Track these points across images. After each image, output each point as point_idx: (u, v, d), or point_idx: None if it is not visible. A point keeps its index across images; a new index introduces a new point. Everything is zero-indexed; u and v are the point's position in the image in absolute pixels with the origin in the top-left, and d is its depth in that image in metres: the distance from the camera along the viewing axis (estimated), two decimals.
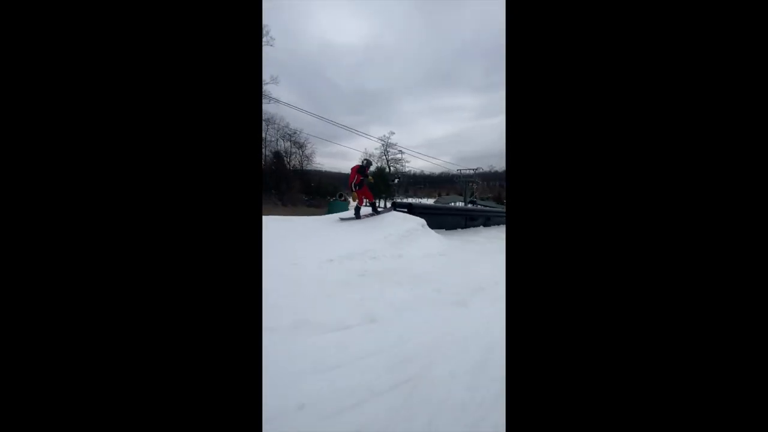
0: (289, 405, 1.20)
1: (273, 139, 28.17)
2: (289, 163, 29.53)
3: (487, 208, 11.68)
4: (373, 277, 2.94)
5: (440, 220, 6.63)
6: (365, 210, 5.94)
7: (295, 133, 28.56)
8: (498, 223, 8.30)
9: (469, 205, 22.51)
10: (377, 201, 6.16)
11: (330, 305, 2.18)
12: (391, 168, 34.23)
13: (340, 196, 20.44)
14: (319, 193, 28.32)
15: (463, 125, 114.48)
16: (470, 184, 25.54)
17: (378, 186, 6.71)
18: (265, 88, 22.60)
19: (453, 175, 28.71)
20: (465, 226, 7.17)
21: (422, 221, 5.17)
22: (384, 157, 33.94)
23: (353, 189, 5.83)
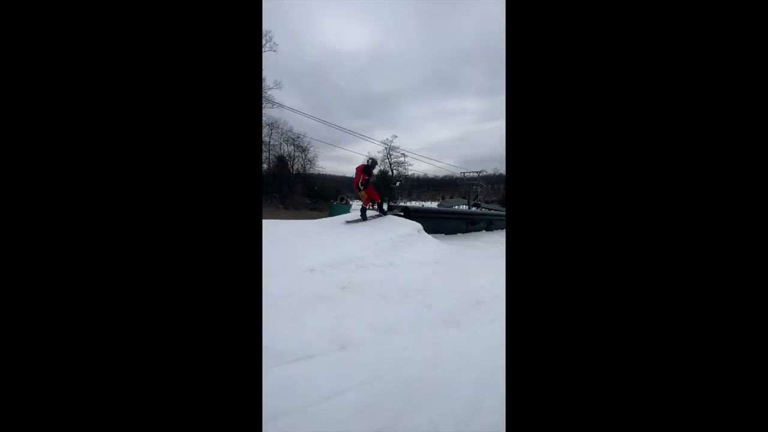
0: None
1: (277, 143, 28.42)
2: (292, 166, 29.62)
3: (491, 212, 11.32)
4: (357, 289, 2.63)
5: (439, 224, 6.30)
6: (371, 213, 5.71)
7: (298, 137, 28.70)
8: (501, 227, 7.93)
9: (473, 209, 22.13)
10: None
11: (297, 327, 1.86)
12: (394, 171, 34.03)
13: (341, 199, 20.39)
14: (322, 196, 28.29)
15: (467, 128, 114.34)
16: (474, 187, 25.19)
17: (380, 189, 6.48)
18: (269, 93, 22.95)
19: (457, 179, 28.46)
20: (466, 231, 6.83)
21: (418, 226, 4.85)
22: (387, 160, 33.79)
23: (359, 189, 5.62)
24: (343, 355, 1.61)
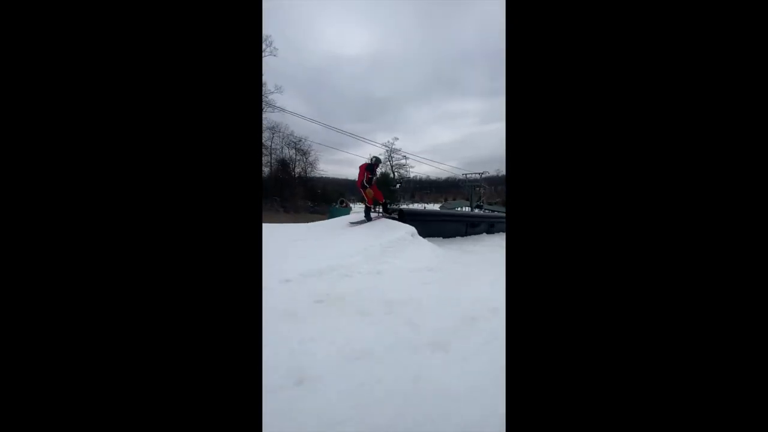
0: None
1: (278, 147, 28.42)
2: (293, 170, 29.61)
3: (492, 213, 10.97)
4: (334, 304, 2.32)
5: (437, 227, 5.98)
6: (374, 214, 5.49)
7: (300, 140, 28.68)
8: (503, 230, 7.58)
9: (476, 210, 21.76)
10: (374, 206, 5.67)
11: None
12: (395, 174, 33.77)
13: (341, 202, 20.19)
14: (324, 199, 28.17)
15: (469, 130, 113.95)
16: (477, 188, 24.84)
17: (381, 191, 6.24)
18: (270, 97, 22.98)
19: (459, 180, 28.11)
20: (465, 234, 6.50)
21: (412, 230, 4.54)
22: (388, 162, 33.52)
23: (363, 188, 5.40)
24: (296, 393, 1.30)
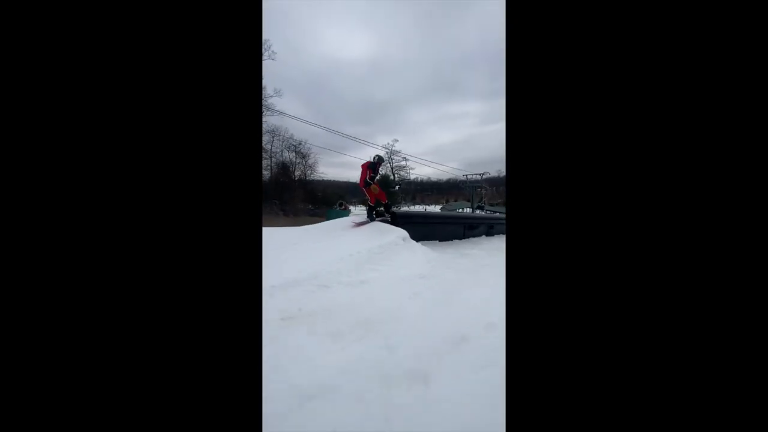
0: None
1: (278, 150, 28.42)
2: (293, 173, 29.55)
3: (493, 215, 10.65)
4: (303, 323, 2.02)
5: (433, 230, 5.68)
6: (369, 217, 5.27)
7: (300, 144, 28.76)
8: (503, 232, 7.26)
9: (477, 211, 21.45)
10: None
11: None
12: (396, 175, 33.52)
13: (340, 204, 20.02)
14: (324, 202, 28.05)
15: (470, 131, 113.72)
16: (478, 189, 24.62)
17: (384, 192, 6.04)
18: (269, 101, 22.99)
19: (459, 181, 27.89)
20: (463, 236, 6.18)
21: (404, 233, 4.23)
22: (389, 164, 33.30)
23: (366, 185, 5.19)
24: None
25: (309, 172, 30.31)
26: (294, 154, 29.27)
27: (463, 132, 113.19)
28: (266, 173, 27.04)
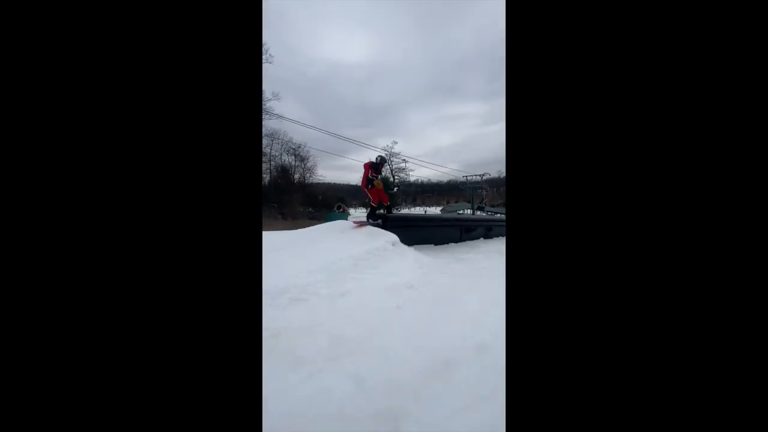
0: None
1: (277, 154, 28.37)
2: (292, 176, 29.48)
3: (491, 216, 10.38)
4: (264, 346, 1.74)
5: (427, 233, 5.40)
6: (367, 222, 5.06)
7: (299, 147, 28.68)
8: (503, 234, 6.98)
9: (478, 212, 21.18)
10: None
11: None
12: (395, 178, 33.29)
13: (339, 207, 19.81)
14: (324, 204, 27.87)
15: (470, 132, 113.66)
16: (479, 190, 24.37)
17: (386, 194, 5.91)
18: (268, 104, 23.00)
19: (460, 183, 27.65)
20: (460, 239, 5.90)
21: (393, 238, 3.96)
22: (388, 166, 33.06)
23: (370, 182, 5.08)
24: None
25: (308, 175, 30.31)
26: (293, 157, 29.28)
27: (463, 133, 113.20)
28: (265, 177, 26.96)
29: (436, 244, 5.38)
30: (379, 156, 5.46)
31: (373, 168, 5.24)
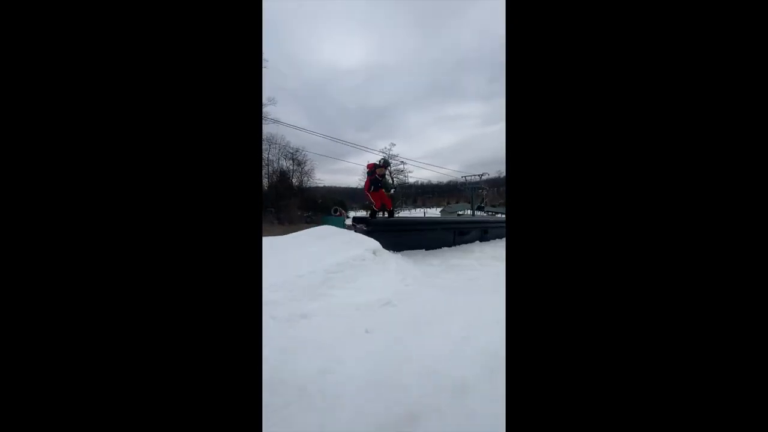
0: None
1: (275, 158, 28.24)
2: (290, 180, 29.28)
3: (487, 218, 9.97)
4: None
5: (418, 238, 5.01)
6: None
7: (296, 151, 28.60)
8: (500, 236, 6.57)
9: (478, 213, 20.78)
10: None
11: None
12: (393, 179, 32.94)
13: (336, 211, 19.45)
14: (323, 208, 27.55)
15: (469, 133, 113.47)
16: (480, 191, 23.99)
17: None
18: (264, 110, 22.64)
19: (459, 183, 27.30)
20: (453, 243, 5.50)
21: (375, 245, 3.57)
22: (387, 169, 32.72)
23: (376, 182, 5.01)
24: None
25: (305, 179, 30.08)
26: (291, 161, 29.10)
27: (463, 134, 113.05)
28: (263, 181, 26.77)
29: (427, 249, 4.99)
30: (382, 159, 5.37)
31: (378, 172, 5.15)
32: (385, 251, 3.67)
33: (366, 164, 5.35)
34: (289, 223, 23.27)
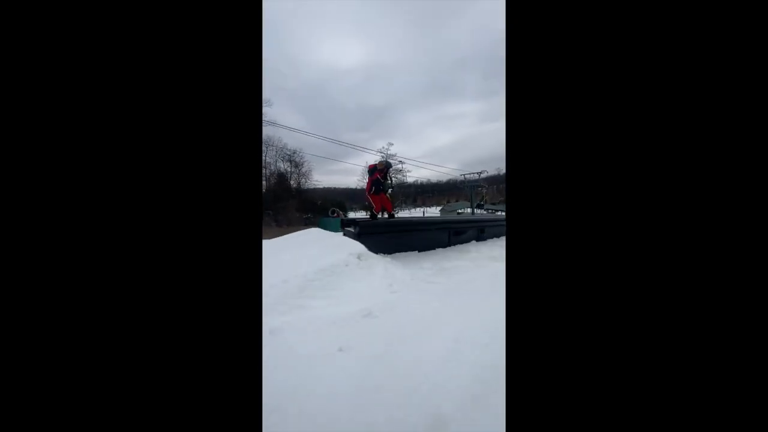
0: None
1: (272, 160, 28.12)
2: (288, 181, 29.14)
3: (496, 214, 9.72)
4: None
5: (409, 239, 4.77)
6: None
7: (294, 153, 28.48)
8: (497, 235, 6.32)
9: (478, 211, 20.55)
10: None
11: None
12: (392, 179, 32.78)
13: (333, 212, 19.25)
14: (322, 210, 27.37)
15: (468, 131, 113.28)
16: (479, 189, 23.77)
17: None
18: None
19: (459, 182, 27.09)
20: (449, 244, 5.25)
21: (360, 249, 3.32)
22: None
23: (379, 184, 4.88)
24: None
25: (303, 180, 29.91)
26: (288, 163, 28.96)
27: (461, 132, 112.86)
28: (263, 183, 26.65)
29: (420, 251, 4.75)
30: (385, 161, 5.17)
31: (380, 173, 4.99)
32: (373, 255, 3.42)
33: (367, 165, 5.22)
34: (287, 225, 23.12)
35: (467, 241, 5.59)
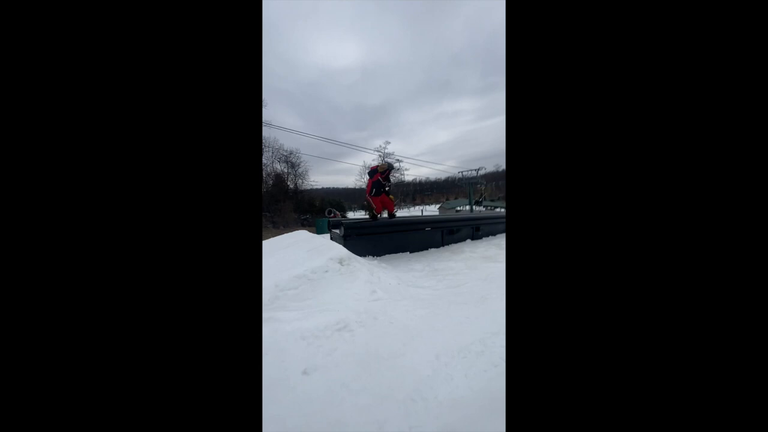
0: None
1: (268, 162, 27.91)
2: (285, 183, 28.93)
3: (495, 211, 9.50)
4: None
5: (400, 240, 4.53)
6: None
7: (291, 154, 28.27)
8: (493, 233, 6.08)
9: (477, 208, 20.33)
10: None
11: None
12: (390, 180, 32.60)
13: (329, 212, 19.00)
14: (321, 210, 27.14)
15: (466, 128, 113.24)
16: (478, 186, 23.58)
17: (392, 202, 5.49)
18: None
19: (457, 179, 26.93)
20: (442, 243, 5.02)
21: (342, 253, 3.08)
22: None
23: (380, 186, 4.76)
24: None
25: (300, 181, 29.69)
26: (285, 164, 28.77)
27: (459, 129, 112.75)
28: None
29: (411, 252, 4.51)
30: (387, 163, 5.00)
31: (381, 176, 4.89)
32: (357, 258, 3.19)
33: (368, 166, 5.02)
34: (284, 227, 22.88)
35: (462, 240, 5.35)
